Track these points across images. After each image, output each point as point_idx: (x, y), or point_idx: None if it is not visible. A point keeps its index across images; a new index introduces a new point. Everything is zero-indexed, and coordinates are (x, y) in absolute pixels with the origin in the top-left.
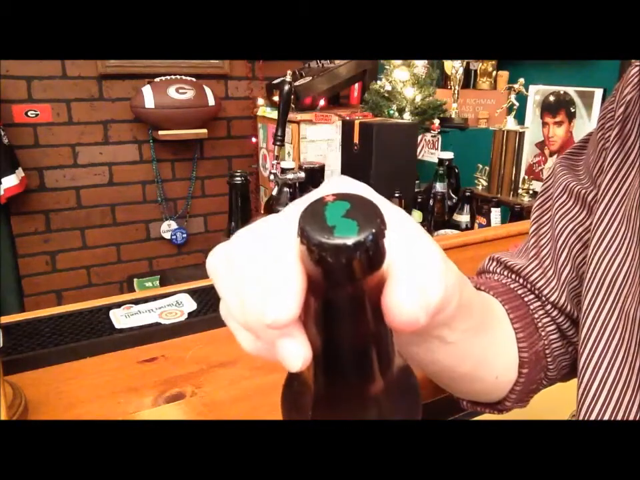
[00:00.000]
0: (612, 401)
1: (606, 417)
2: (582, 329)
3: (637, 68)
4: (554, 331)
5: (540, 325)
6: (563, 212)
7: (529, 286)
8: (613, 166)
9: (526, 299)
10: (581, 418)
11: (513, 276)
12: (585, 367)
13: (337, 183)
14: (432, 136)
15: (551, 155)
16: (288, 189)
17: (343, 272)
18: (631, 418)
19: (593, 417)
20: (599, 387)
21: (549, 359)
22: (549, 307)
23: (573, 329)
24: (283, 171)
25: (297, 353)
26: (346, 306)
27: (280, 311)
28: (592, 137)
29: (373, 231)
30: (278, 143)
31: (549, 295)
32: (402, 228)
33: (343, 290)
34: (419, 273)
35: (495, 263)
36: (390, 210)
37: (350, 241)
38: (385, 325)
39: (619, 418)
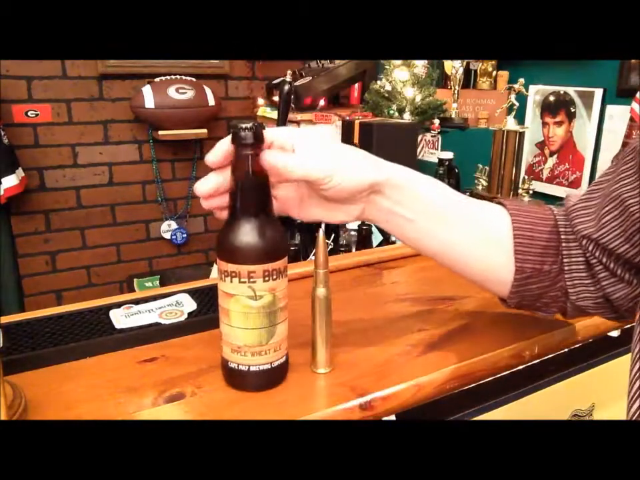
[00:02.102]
0: None
1: None
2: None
3: None
4: (581, 262)
5: (566, 253)
6: (624, 175)
7: (569, 221)
8: None
9: (561, 230)
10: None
11: (562, 210)
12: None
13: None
14: (432, 136)
15: (551, 154)
16: None
17: (245, 137)
18: None
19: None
20: None
21: (568, 284)
22: (582, 240)
23: (604, 272)
24: None
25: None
26: (246, 161)
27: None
28: None
29: (256, 124)
30: None
31: (582, 230)
32: (307, 136)
33: (244, 149)
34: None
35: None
36: (307, 132)
37: (245, 124)
38: (265, 181)
39: None
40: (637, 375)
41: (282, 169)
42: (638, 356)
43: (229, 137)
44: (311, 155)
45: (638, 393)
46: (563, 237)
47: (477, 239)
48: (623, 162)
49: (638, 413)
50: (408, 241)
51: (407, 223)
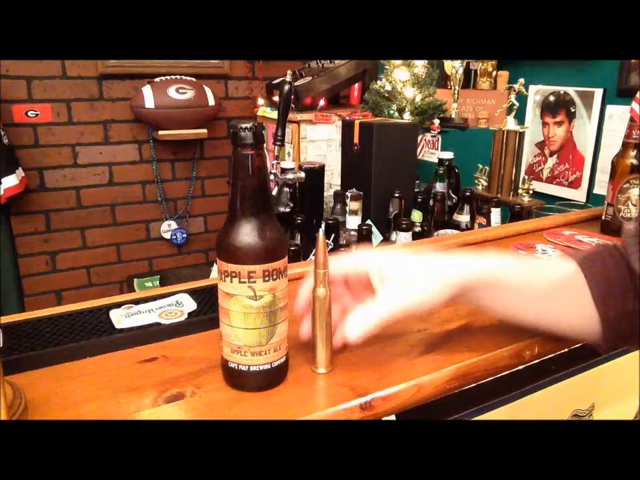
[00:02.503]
0: None
1: None
2: None
3: None
4: None
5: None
6: None
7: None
8: None
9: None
10: None
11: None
12: None
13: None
14: (432, 136)
15: (551, 154)
16: (288, 189)
17: (245, 138)
18: None
19: None
20: None
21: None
22: None
23: None
24: (283, 170)
25: None
26: (246, 161)
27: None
28: None
29: (256, 124)
30: (278, 143)
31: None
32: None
33: (244, 149)
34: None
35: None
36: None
37: (244, 125)
38: (265, 182)
39: None
40: None
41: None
42: None
43: (309, 282)
44: (395, 296)
45: None
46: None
47: (561, 303)
48: None
49: None
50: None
51: (495, 311)
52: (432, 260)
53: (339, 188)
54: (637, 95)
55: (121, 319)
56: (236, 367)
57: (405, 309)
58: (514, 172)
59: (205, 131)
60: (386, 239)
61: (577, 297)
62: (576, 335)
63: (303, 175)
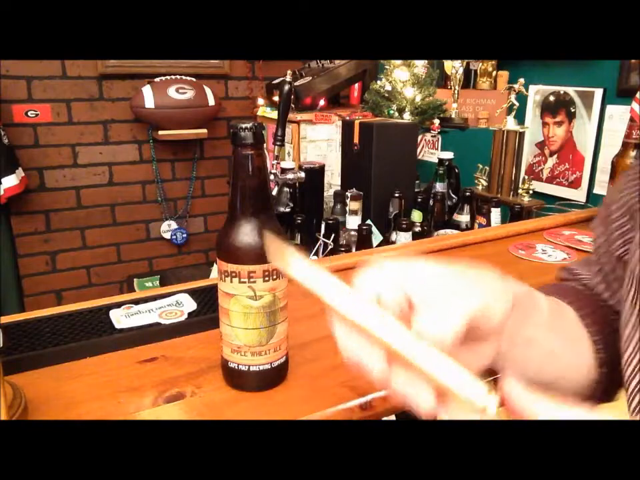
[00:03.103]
0: None
1: None
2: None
3: None
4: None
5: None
6: (619, 233)
7: (597, 296)
8: None
9: (601, 304)
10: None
11: (583, 288)
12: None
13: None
14: (432, 136)
15: (551, 154)
16: (288, 189)
17: (245, 138)
18: None
19: None
20: None
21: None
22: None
23: None
24: (283, 170)
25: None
26: (246, 161)
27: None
28: None
29: (256, 124)
30: (278, 143)
31: (615, 306)
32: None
33: (244, 149)
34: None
35: (566, 273)
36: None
37: (244, 125)
38: (265, 182)
39: None
40: (638, 367)
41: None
42: (638, 348)
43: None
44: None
45: (638, 387)
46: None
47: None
48: (617, 224)
49: (639, 408)
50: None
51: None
52: (471, 270)
53: (339, 188)
54: (637, 95)
55: (121, 319)
56: (236, 367)
57: (482, 306)
58: (514, 172)
59: (204, 130)
60: (386, 239)
61: (573, 332)
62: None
63: (302, 174)
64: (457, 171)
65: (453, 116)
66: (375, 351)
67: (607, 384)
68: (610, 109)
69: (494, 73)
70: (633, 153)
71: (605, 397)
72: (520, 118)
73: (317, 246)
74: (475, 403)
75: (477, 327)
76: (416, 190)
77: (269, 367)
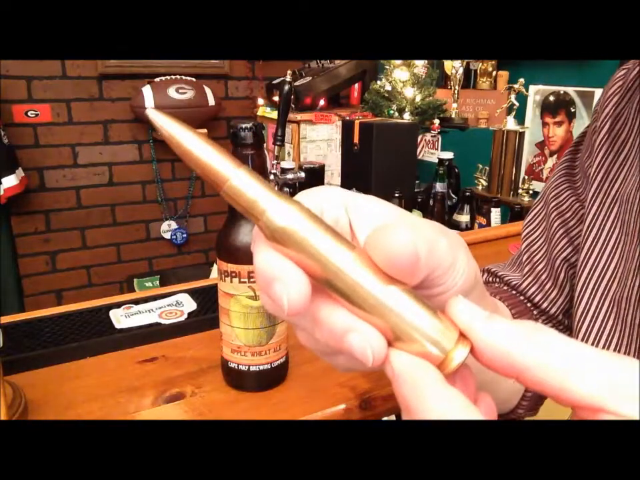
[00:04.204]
0: None
1: None
2: (577, 336)
3: (624, 71)
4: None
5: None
6: (557, 225)
7: (526, 300)
8: (602, 168)
9: (528, 305)
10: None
11: (509, 289)
12: None
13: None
14: (432, 136)
15: (551, 154)
16: (288, 189)
17: (245, 138)
18: None
19: None
20: None
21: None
22: (548, 318)
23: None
24: (283, 171)
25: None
26: (246, 161)
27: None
28: (587, 133)
29: (256, 124)
30: (278, 143)
31: (547, 308)
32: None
33: (244, 149)
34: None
35: (488, 275)
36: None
37: (244, 125)
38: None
39: None
40: None
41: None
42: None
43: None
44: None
45: None
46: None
47: None
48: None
49: None
50: None
51: None
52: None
53: None
54: None
55: (121, 318)
56: (236, 367)
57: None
58: (514, 172)
59: (204, 131)
60: None
61: None
62: (506, 395)
63: (302, 174)
64: (456, 171)
65: (453, 116)
66: (295, 271)
67: (534, 398)
68: None
69: (494, 73)
70: None
71: (530, 409)
72: (520, 118)
73: None
74: (436, 352)
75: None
76: (416, 190)
77: (269, 367)
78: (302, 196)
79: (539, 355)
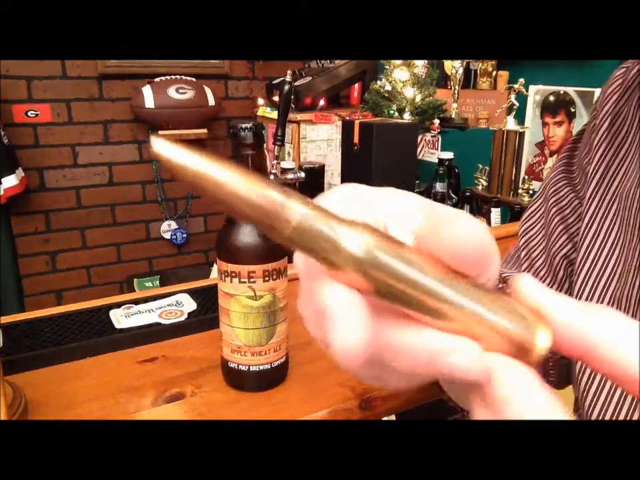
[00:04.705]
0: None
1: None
2: None
3: (623, 69)
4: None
5: None
6: (557, 221)
7: None
8: (601, 165)
9: None
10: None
11: (506, 286)
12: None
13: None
14: (432, 136)
15: (551, 154)
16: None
17: (245, 138)
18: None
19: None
20: (596, 392)
21: (550, 363)
22: None
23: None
24: (283, 171)
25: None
26: (246, 161)
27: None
28: (585, 131)
29: (256, 124)
30: (278, 143)
31: None
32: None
33: (244, 149)
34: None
35: None
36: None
37: (244, 125)
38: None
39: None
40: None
41: None
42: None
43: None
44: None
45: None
46: None
47: None
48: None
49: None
50: None
51: None
52: None
53: None
54: None
55: (121, 319)
56: (236, 367)
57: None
58: (514, 172)
59: (204, 131)
60: None
61: None
62: None
63: (302, 174)
64: (456, 170)
65: (453, 116)
66: (350, 297)
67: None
68: None
69: (494, 73)
70: None
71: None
72: (520, 118)
73: None
74: (523, 342)
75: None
76: (416, 190)
77: (269, 367)
78: (333, 203)
79: (611, 331)
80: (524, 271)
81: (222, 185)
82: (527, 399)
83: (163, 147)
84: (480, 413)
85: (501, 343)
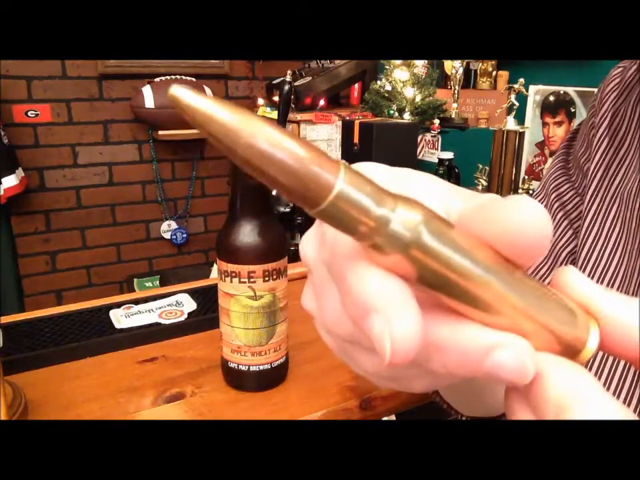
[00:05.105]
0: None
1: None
2: None
3: (620, 69)
4: None
5: None
6: (561, 216)
7: None
8: (602, 164)
9: None
10: None
11: None
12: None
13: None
14: (432, 136)
15: (551, 155)
16: None
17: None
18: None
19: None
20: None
21: None
22: None
23: None
24: None
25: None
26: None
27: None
28: (581, 128)
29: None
30: None
31: None
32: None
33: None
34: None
35: None
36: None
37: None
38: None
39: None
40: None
41: None
42: None
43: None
44: None
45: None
46: None
47: None
48: None
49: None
50: None
51: None
52: None
53: None
54: None
55: (121, 319)
56: (236, 367)
57: None
58: (514, 172)
59: None
60: None
61: None
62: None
63: None
64: (456, 171)
65: (453, 116)
66: (398, 284)
67: None
68: None
69: (494, 73)
70: None
71: None
72: (520, 118)
73: None
74: (574, 340)
75: None
76: None
77: (269, 367)
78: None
79: None
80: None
81: (254, 141)
82: (585, 402)
83: (182, 92)
84: (523, 415)
85: (550, 341)
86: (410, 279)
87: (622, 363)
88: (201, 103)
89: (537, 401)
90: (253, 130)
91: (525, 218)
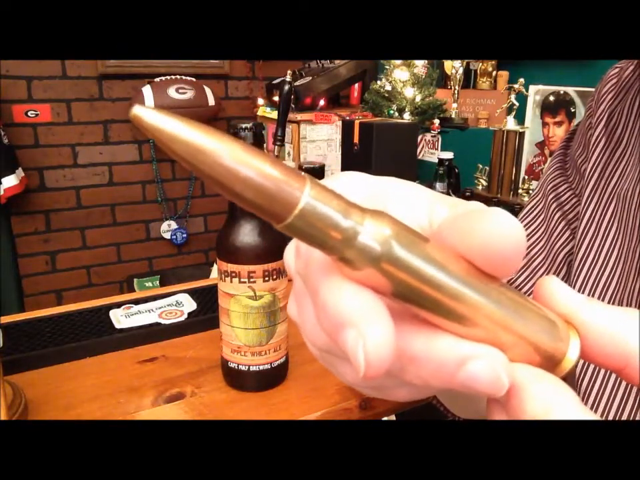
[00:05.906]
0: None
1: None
2: None
3: (617, 69)
4: None
5: None
6: (558, 217)
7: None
8: (599, 165)
9: None
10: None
11: None
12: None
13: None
14: (432, 136)
15: (551, 154)
16: None
17: (245, 138)
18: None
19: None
20: (598, 393)
21: None
22: None
23: None
24: None
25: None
26: None
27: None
28: (578, 129)
29: (256, 124)
30: (278, 143)
31: None
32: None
33: None
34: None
35: None
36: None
37: (244, 125)
38: None
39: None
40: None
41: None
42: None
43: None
44: None
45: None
46: None
47: None
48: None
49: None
50: None
51: None
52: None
53: None
54: None
55: (121, 319)
56: (236, 367)
57: None
58: (514, 172)
59: None
60: None
61: None
62: None
63: (302, 174)
64: (456, 171)
65: (453, 116)
66: (370, 298)
67: None
68: None
69: (494, 72)
70: None
71: None
72: (520, 118)
73: None
74: (553, 352)
75: None
76: None
77: (269, 367)
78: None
79: None
80: (521, 269)
81: (219, 159)
82: (560, 417)
83: (145, 112)
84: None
85: (529, 352)
86: (384, 292)
87: None
88: (164, 122)
89: (515, 413)
90: (217, 148)
91: (500, 232)
